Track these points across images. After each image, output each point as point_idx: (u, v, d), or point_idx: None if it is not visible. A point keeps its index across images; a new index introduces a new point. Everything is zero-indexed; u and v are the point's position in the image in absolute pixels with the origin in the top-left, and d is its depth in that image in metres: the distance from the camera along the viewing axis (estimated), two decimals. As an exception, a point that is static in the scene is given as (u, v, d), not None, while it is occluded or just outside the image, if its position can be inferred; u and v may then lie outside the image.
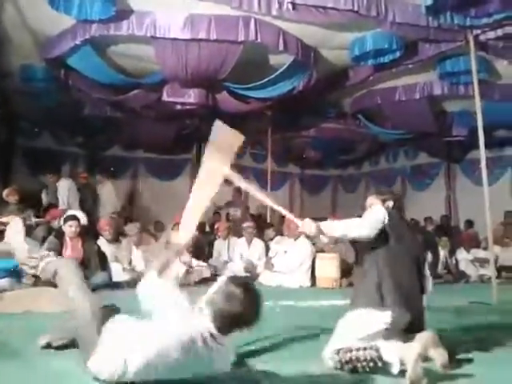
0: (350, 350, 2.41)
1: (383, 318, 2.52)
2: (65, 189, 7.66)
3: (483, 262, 7.69)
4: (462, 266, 7.94)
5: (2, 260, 5.09)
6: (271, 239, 7.58)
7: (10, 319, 3.72)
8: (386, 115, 8.62)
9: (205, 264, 6.80)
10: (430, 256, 7.75)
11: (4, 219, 6.24)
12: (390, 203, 2.89)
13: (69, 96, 7.76)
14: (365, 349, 2.39)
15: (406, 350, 2.32)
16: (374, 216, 2.72)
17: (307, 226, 2.69)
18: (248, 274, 6.89)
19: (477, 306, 4.78)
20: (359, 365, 2.38)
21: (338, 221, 2.80)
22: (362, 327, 2.53)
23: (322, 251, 6.62)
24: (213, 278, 6.62)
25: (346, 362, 2.40)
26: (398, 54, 6.23)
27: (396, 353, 2.32)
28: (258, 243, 7.37)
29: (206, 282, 6.44)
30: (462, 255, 8.07)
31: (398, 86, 7.69)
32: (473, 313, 4.39)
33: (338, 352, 2.44)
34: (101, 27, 5.61)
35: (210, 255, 7.40)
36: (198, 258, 6.80)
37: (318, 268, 6.47)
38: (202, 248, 7.29)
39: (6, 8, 5.41)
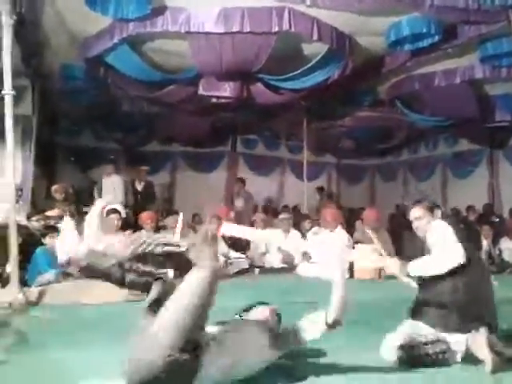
0: (416, 345, 2.41)
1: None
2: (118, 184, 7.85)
3: (529, 252, 7.44)
4: (506, 256, 7.69)
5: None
6: (307, 230, 7.56)
7: (58, 310, 3.90)
8: (425, 101, 8.40)
9: (243, 256, 6.87)
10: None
11: (50, 213, 6.52)
12: (439, 211, 2.81)
13: (107, 94, 7.96)
14: (432, 342, 2.38)
15: (473, 338, 2.30)
16: (451, 236, 2.61)
17: (392, 266, 2.72)
18: (285, 265, 6.93)
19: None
20: (428, 359, 2.37)
21: (422, 259, 2.69)
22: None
23: (360, 242, 6.56)
24: (251, 269, 6.73)
25: (414, 357, 2.39)
26: (436, 38, 6.03)
27: (463, 342, 2.31)
28: (294, 234, 7.37)
29: (244, 273, 6.54)
30: (507, 245, 7.81)
31: (437, 70, 7.47)
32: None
33: (401, 347, 2.42)
34: (137, 25, 5.71)
35: (248, 247, 7.46)
36: (236, 249, 6.89)
37: (357, 259, 6.42)
38: (239, 240, 7.36)
39: (46, 10, 5.58)
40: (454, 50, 6.64)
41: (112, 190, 7.75)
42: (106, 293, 4.40)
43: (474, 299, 2.55)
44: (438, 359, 2.35)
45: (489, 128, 9.42)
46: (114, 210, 5.88)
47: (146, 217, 6.78)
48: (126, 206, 7.54)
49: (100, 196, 7.78)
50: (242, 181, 9.70)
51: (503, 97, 8.16)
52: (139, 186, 8.31)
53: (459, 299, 2.53)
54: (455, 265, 2.55)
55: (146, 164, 8.77)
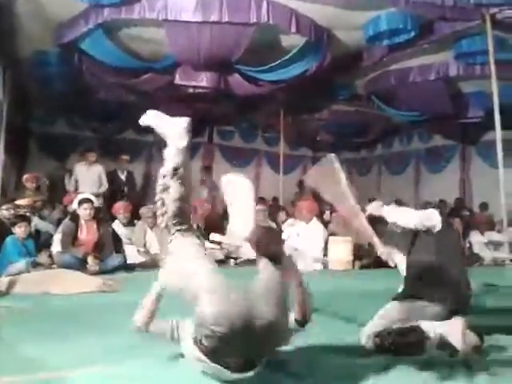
0: (391, 332, 2.44)
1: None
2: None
3: (498, 245, 7.64)
4: (476, 249, 7.89)
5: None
6: (283, 222, 7.60)
7: (29, 300, 3.83)
8: (401, 97, 8.51)
9: (218, 247, 6.86)
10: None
11: (20, 202, 6.38)
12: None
13: (82, 81, 7.79)
14: (408, 330, 2.42)
15: (449, 325, 2.37)
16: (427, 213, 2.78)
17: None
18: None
19: (493, 288, 4.76)
20: (402, 348, 2.40)
21: (403, 209, 2.97)
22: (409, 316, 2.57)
23: (335, 234, 6.63)
24: (227, 260, 6.73)
25: (389, 344, 2.42)
26: (412, 33, 6.12)
27: (439, 329, 2.38)
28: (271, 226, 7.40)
29: (219, 264, 6.53)
30: (476, 238, 8.01)
31: (412, 66, 7.58)
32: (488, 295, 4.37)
33: (377, 335, 2.46)
34: (112, 11, 5.62)
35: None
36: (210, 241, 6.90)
37: (331, 251, 6.48)
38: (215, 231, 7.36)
39: (19, -6, 5.43)
40: (429, 47, 6.74)
41: (95, 179, 7.65)
42: (77, 283, 4.34)
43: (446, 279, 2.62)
44: (414, 347, 2.39)
45: (462, 124, 9.61)
46: (87, 200, 5.78)
47: (119, 206, 6.71)
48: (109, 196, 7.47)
49: (76, 186, 7.62)
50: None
51: (476, 94, 8.32)
52: (122, 176, 8.20)
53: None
54: (433, 223, 2.68)
55: (122, 153, 8.64)
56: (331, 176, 2.97)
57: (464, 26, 6.10)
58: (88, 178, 7.63)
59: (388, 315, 2.59)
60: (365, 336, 2.52)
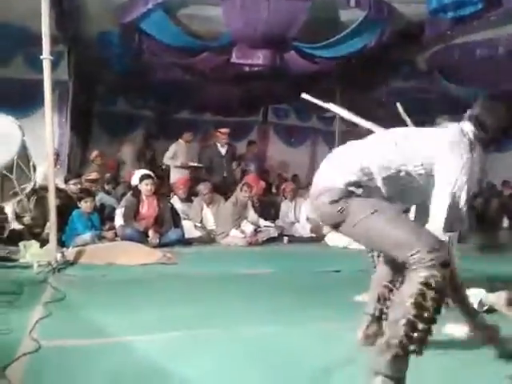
0: None
1: None
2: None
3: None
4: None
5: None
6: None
7: (94, 270, 4.06)
8: (465, 73, 8.08)
9: (272, 224, 6.92)
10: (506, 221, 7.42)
11: (89, 176, 6.76)
12: None
13: (142, 61, 7.99)
14: None
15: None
16: None
17: None
18: (314, 235, 6.96)
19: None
20: None
21: None
22: None
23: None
24: (280, 238, 6.79)
25: None
26: (479, 6, 5.75)
27: None
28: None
29: (273, 241, 6.62)
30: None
31: (479, 40, 7.15)
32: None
33: None
34: (171, -10, 5.68)
35: (277, 216, 7.50)
36: (265, 218, 6.95)
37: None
38: (268, 208, 7.41)
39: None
40: (497, 19, 6.32)
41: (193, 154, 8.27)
42: (139, 255, 4.56)
43: None
44: None
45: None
46: (148, 176, 6.00)
47: (180, 182, 6.91)
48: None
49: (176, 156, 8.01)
50: (252, 143, 9.64)
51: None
52: (223, 150, 8.02)
53: None
54: None
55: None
56: None
57: (537, -5, 5.68)
58: (188, 153, 8.13)
59: None
60: None
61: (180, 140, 8.23)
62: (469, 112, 2.17)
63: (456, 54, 7.44)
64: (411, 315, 1.66)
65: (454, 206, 1.91)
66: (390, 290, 2.19)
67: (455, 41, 7.28)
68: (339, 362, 2.04)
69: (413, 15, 6.46)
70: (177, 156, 8.04)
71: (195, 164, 8.08)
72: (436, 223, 1.94)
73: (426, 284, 1.68)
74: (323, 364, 2.02)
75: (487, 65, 7.44)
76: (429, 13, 6.05)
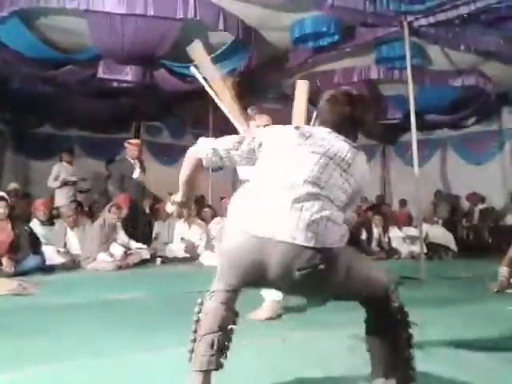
0: None
1: None
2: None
3: (414, 239, 8.10)
4: (394, 244, 8.32)
5: None
6: (210, 220, 7.58)
7: None
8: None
9: (144, 246, 6.69)
10: (364, 234, 8.11)
11: None
12: None
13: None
14: None
15: None
16: None
17: None
18: (188, 255, 6.90)
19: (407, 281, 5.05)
20: None
21: None
22: None
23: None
24: (153, 259, 6.59)
25: None
26: (336, 37, 6.33)
27: None
28: (198, 224, 7.36)
29: (145, 263, 6.40)
30: (395, 233, 8.46)
31: (336, 69, 7.84)
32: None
33: None
34: (30, -1, 5.27)
35: (150, 238, 7.27)
36: (137, 240, 6.68)
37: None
38: (141, 230, 7.16)
39: None
40: (352, 50, 6.99)
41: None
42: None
43: None
44: None
45: (382, 125, 10.09)
46: (0, 198, 5.42)
47: (39, 203, 6.39)
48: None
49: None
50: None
51: (395, 97, 8.76)
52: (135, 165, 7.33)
53: None
54: None
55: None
56: None
57: (384, 32, 6.39)
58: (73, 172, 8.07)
59: None
60: None
61: (62, 161, 8.09)
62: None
63: (317, 80, 8.02)
64: None
65: None
66: None
67: (316, 69, 7.87)
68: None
69: (278, 43, 6.84)
70: (60, 177, 7.84)
71: (75, 178, 8.03)
72: None
73: None
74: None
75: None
76: (292, 42, 6.46)
